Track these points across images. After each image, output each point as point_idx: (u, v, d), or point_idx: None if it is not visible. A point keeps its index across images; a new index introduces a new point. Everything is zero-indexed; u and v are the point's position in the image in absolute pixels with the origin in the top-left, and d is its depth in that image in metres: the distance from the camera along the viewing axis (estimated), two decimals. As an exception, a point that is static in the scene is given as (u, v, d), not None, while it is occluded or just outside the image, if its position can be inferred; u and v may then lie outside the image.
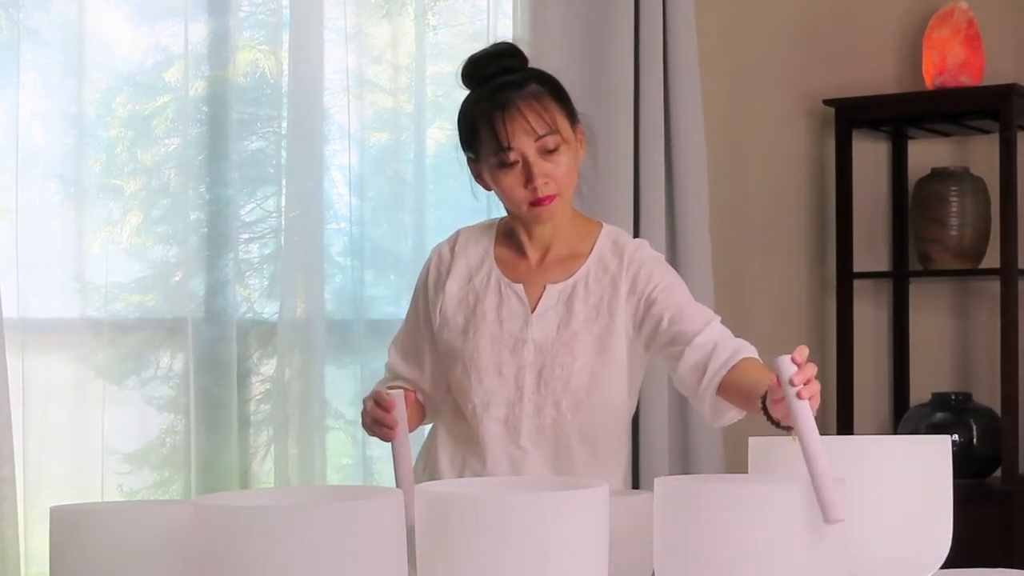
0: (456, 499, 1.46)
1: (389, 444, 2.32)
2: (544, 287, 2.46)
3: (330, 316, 3.35)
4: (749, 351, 2.35)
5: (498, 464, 2.43)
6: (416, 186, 3.55)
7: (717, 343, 2.34)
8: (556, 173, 2.37)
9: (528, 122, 2.36)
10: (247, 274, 3.28)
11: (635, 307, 2.43)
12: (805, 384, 1.73)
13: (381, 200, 3.56)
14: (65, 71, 2.94)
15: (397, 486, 2.25)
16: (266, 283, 3.30)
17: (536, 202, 2.38)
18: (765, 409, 2.07)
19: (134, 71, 3.10)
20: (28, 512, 2.73)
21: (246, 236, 3.27)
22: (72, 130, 2.94)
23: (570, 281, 2.45)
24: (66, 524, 1.61)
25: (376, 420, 2.31)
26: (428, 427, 2.66)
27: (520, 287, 2.47)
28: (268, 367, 3.28)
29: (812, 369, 1.82)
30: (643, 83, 3.85)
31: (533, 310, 2.45)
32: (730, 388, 2.31)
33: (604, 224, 2.54)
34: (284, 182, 3.26)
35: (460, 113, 2.46)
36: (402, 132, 3.55)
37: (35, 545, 2.72)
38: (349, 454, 3.43)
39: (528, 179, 2.36)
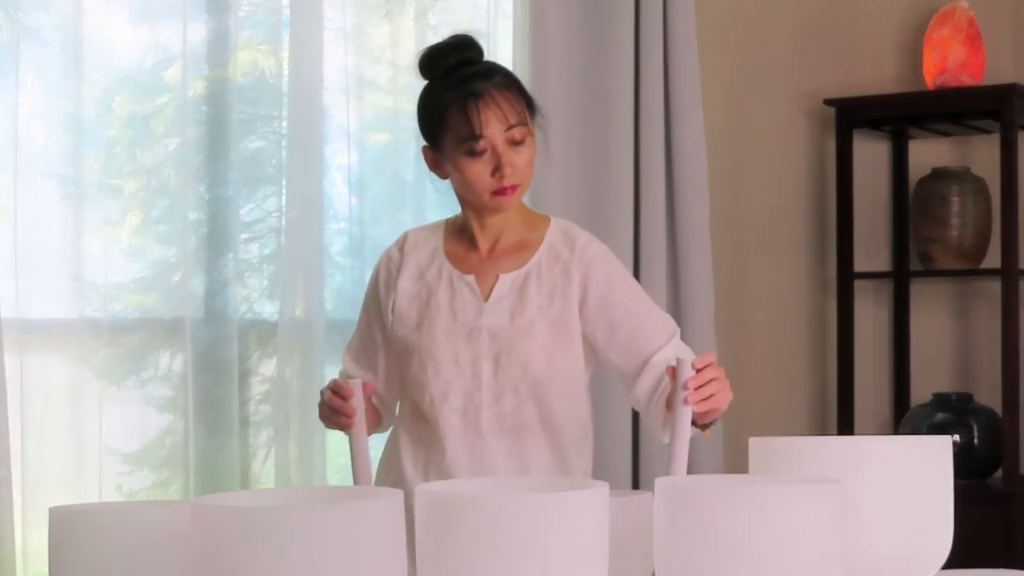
0: (456, 500, 1.46)
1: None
2: (497, 276, 2.48)
3: (330, 316, 3.34)
4: None
5: (458, 455, 2.43)
6: (416, 186, 3.54)
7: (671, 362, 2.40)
8: (520, 163, 2.41)
9: (502, 111, 2.38)
10: (247, 274, 3.27)
11: (582, 299, 2.45)
12: (697, 389, 2.13)
13: (381, 200, 3.56)
14: (64, 71, 2.93)
15: (353, 475, 2.28)
16: (266, 283, 3.30)
17: (500, 191, 2.40)
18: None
19: (133, 71, 3.10)
20: (27, 513, 2.73)
21: (246, 236, 3.27)
22: (71, 130, 2.93)
23: (523, 270, 2.47)
24: (65, 524, 1.61)
25: (335, 409, 2.34)
26: (386, 434, 2.66)
27: (472, 278, 2.48)
28: (268, 367, 3.28)
29: (710, 374, 2.15)
30: (643, 83, 3.85)
31: (486, 299, 2.46)
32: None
33: (552, 217, 2.57)
34: (284, 182, 3.26)
35: (424, 101, 2.47)
36: (402, 132, 3.54)
37: (34, 546, 2.71)
38: (349, 454, 3.42)
39: (496, 168, 2.39)
